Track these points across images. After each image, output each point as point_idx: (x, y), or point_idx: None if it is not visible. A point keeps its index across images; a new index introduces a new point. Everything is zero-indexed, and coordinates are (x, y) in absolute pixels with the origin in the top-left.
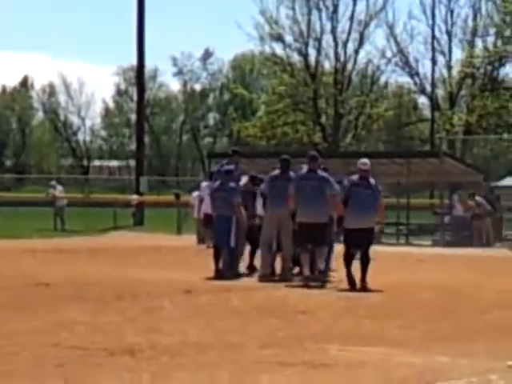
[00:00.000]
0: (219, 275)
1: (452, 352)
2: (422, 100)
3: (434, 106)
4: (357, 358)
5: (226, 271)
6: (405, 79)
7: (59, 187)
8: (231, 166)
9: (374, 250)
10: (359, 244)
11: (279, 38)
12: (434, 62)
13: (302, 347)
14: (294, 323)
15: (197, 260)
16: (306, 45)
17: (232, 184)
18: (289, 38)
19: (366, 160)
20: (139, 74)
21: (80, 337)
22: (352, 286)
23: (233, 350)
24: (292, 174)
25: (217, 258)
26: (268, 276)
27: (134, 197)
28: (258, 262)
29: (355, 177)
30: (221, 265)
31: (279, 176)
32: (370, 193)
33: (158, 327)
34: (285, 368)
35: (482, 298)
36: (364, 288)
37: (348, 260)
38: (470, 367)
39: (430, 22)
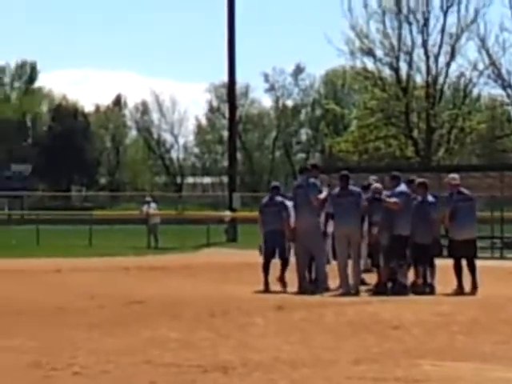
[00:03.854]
0: (268, 288)
1: None
2: None
3: None
4: (450, 374)
5: (316, 287)
6: (497, 91)
7: (153, 205)
8: (277, 183)
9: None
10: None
11: (370, 53)
12: None
13: (395, 363)
14: (387, 339)
15: (289, 276)
16: (397, 59)
17: (279, 198)
18: (379, 53)
19: (455, 175)
20: (230, 91)
21: (173, 354)
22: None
23: (325, 366)
24: (353, 188)
25: (266, 271)
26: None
27: (227, 213)
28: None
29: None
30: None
31: (340, 193)
32: (470, 205)
33: (251, 344)
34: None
35: None
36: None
37: (458, 271)
38: None
39: None
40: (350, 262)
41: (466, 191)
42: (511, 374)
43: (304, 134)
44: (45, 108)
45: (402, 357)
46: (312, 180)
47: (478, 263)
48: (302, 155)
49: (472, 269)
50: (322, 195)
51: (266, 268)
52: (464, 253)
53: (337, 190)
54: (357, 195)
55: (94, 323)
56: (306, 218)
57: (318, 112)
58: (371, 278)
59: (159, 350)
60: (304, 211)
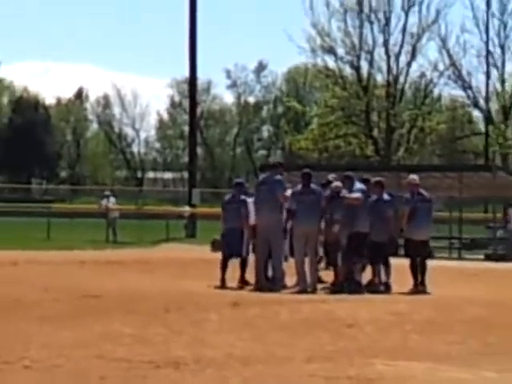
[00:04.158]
0: (224, 285)
1: (500, 368)
2: (477, 113)
3: (488, 119)
4: (402, 373)
5: (273, 284)
6: (458, 92)
7: (112, 199)
8: (240, 180)
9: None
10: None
11: (331, 51)
12: (488, 75)
13: (349, 361)
14: (342, 337)
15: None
16: (358, 57)
17: (241, 196)
18: (341, 51)
19: (415, 176)
20: (191, 87)
21: (125, 349)
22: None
23: (279, 364)
24: (314, 186)
25: (224, 268)
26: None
27: (186, 209)
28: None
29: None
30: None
31: (303, 191)
32: (428, 206)
33: (205, 340)
34: (329, 382)
35: None
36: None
37: (414, 270)
38: None
39: (484, 36)
40: (307, 260)
41: (425, 192)
42: (464, 374)
43: (265, 130)
44: (5, 100)
45: (356, 355)
46: (278, 177)
47: (436, 263)
48: (263, 152)
49: (423, 268)
50: (288, 192)
51: (224, 265)
52: (420, 252)
53: (299, 187)
54: (318, 194)
55: (48, 316)
56: (268, 214)
57: (280, 109)
58: (328, 276)
59: (112, 345)
60: (266, 207)
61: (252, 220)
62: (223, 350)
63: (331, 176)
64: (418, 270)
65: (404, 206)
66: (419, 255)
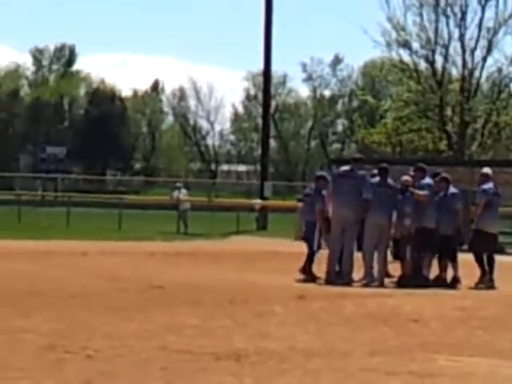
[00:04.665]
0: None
1: None
2: None
3: None
4: (465, 369)
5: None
6: None
7: (183, 190)
8: (322, 173)
9: (498, 260)
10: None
11: (406, 45)
12: None
13: (411, 356)
14: (405, 332)
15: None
16: (433, 52)
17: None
18: (416, 45)
19: (488, 169)
20: (266, 79)
21: (188, 340)
22: None
23: (340, 357)
24: (391, 182)
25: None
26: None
27: (257, 201)
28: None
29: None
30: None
31: (380, 183)
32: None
33: (268, 332)
34: (390, 377)
35: None
36: None
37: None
38: None
39: None
40: (376, 253)
41: (497, 186)
42: None
43: (340, 124)
44: (82, 91)
45: (418, 350)
46: (362, 172)
47: (509, 259)
48: (337, 146)
49: (492, 263)
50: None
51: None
52: (490, 246)
53: (377, 179)
54: (394, 189)
55: (113, 307)
56: (348, 207)
57: (355, 103)
58: (395, 270)
59: (175, 336)
60: (346, 201)
61: (329, 212)
62: (285, 343)
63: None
64: (486, 265)
65: (481, 197)
66: (489, 249)
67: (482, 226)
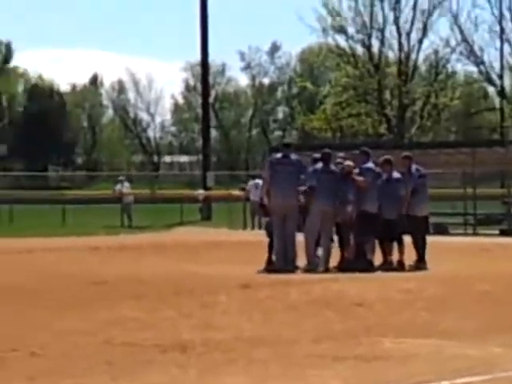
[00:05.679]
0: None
1: (508, 343)
2: (492, 89)
3: (502, 94)
4: (410, 351)
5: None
6: (471, 68)
7: (126, 184)
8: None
9: (441, 240)
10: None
11: (342, 30)
12: (501, 50)
13: (356, 340)
14: (351, 316)
15: (260, 254)
16: (369, 36)
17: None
18: (351, 30)
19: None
20: (204, 69)
21: (132, 334)
22: None
23: (286, 345)
24: (333, 167)
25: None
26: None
27: (200, 192)
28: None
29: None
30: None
31: (323, 170)
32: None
33: (213, 322)
34: (336, 362)
35: None
36: None
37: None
38: None
39: (496, 11)
40: (322, 239)
41: (420, 168)
42: (471, 350)
43: (281, 112)
44: (20, 88)
45: (364, 334)
46: (296, 156)
47: (451, 239)
48: (278, 133)
49: (424, 244)
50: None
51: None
52: (422, 228)
53: (319, 166)
54: (337, 175)
55: (55, 303)
56: (290, 195)
57: (295, 90)
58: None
59: (119, 330)
60: (287, 188)
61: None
62: (231, 333)
63: (339, 155)
64: (419, 246)
65: (411, 182)
66: (421, 231)
67: (412, 210)
